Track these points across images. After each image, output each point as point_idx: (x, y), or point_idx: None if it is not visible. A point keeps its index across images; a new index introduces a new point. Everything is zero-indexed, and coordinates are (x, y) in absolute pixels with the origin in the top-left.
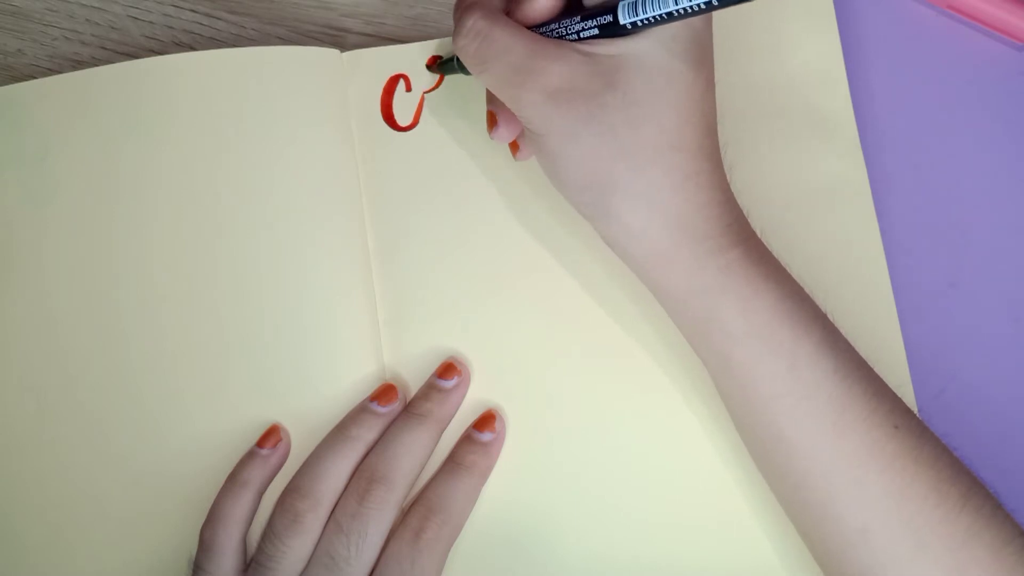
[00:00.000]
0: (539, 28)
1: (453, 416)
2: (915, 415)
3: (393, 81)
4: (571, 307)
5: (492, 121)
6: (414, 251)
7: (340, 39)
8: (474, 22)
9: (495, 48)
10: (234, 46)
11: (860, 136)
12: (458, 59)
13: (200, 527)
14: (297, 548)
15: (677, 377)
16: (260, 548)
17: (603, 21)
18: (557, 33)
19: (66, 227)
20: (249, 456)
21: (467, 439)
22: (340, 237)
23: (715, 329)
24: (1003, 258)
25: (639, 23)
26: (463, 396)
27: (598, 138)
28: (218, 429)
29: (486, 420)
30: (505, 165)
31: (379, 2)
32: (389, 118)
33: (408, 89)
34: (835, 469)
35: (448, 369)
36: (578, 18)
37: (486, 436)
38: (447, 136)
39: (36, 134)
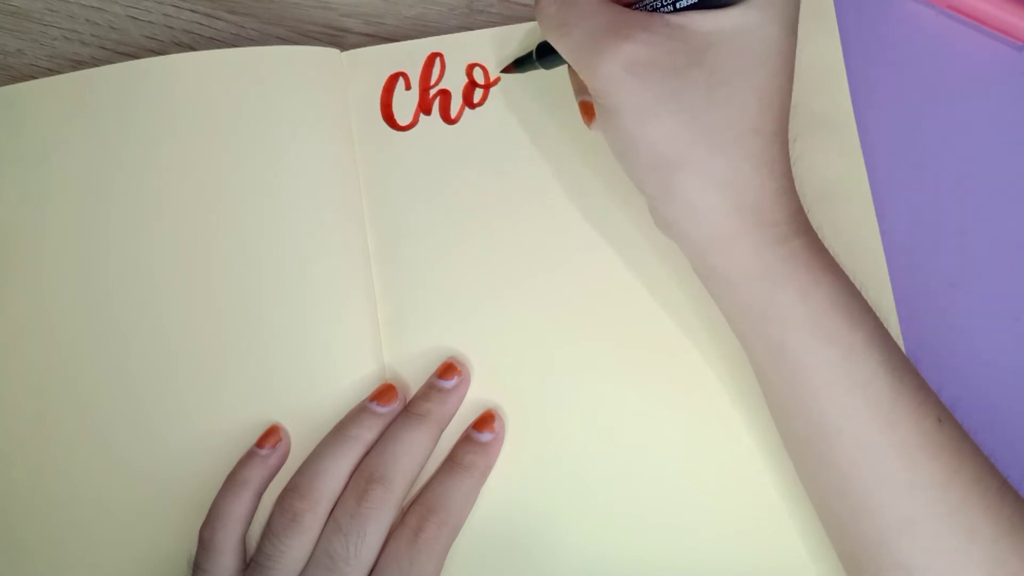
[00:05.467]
0: (635, 6)
1: (453, 416)
2: (951, 412)
3: (393, 80)
4: (571, 307)
5: (588, 111)
6: (414, 251)
7: (340, 39)
8: None
9: (578, 11)
10: (234, 46)
11: (860, 136)
12: (537, 50)
13: (200, 527)
14: (296, 548)
15: (678, 377)
16: (259, 548)
17: None
18: (652, 7)
19: (66, 227)
20: (249, 456)
21: (466, 439)
22: (340, 237)
23: (771, 315)
24: (1003, 258)
25: None
26: (463, 396)
27: (676, 117)
28: (218, 429)
29: (486, 420)
30: (505, 164)
31: (379, 2)
32: (389, 117)
33: (408, 87)
34: (885, 458)
35: (448, 369)
36: None
37: (485, 436)
38: (447, 135)
39: (36, 134)
